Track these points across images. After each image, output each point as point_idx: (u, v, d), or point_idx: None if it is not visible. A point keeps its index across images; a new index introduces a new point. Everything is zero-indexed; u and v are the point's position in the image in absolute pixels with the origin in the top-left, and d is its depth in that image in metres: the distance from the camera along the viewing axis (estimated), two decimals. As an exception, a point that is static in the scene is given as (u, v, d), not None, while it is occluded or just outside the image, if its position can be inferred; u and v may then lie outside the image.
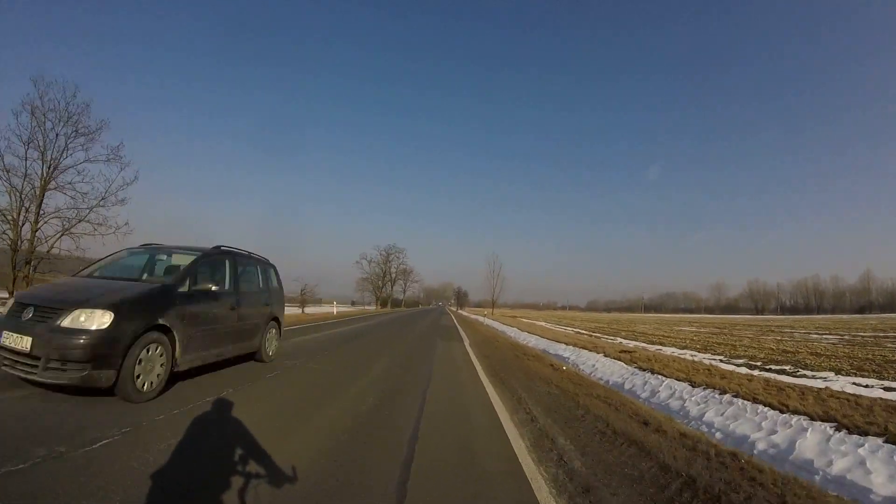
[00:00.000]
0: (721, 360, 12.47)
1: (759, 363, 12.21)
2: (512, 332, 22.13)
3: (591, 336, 21.64)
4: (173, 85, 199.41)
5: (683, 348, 15.47)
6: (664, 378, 8.68)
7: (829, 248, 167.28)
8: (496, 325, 28.10)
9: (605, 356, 11.53)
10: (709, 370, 9.75)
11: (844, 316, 64.21)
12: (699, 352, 14.65)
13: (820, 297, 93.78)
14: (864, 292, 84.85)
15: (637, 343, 17.08)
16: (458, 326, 24.63)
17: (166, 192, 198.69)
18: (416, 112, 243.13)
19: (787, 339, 21.29)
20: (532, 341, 17.47)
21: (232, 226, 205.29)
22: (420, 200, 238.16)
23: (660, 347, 15.44)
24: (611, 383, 9.17)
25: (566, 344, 14.98)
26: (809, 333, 25.49)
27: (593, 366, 10.65)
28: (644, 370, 9.57)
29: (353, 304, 65.50)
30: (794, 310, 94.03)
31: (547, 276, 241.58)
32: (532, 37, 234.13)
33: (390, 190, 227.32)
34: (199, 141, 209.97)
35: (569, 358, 12.29)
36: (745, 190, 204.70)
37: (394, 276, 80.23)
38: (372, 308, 60.98)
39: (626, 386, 8.68)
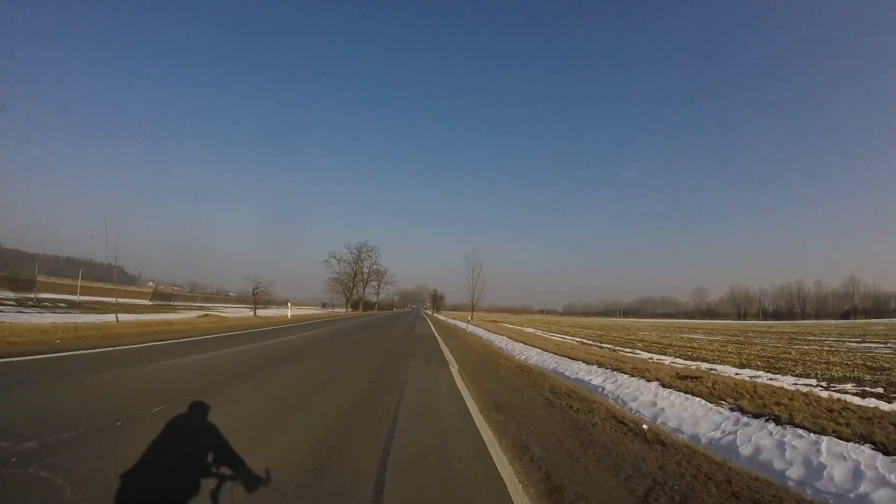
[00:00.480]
0: (818, 386, 8.54)
1: (879, 388, 8.36)
2: (503, 343, 17.86)
3: (603, 348, 17.59)
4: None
5: (740, 367, 11.52)
6: (820, 439, 4.58)
7: (812, 254, 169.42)
8: (480, 332, 23.86)
9: (665, 386, 7.36)
10: (846, 408, 5.76)
11: (832, 321, 63.11)
12: (764, 370, 10.75)
13: (803, 303, 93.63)
14: (848, 297, 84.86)
15: (682, 361, 12.94)
16: (438, 336, 20.19)
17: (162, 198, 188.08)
18: (390, 109, 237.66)
19: (833, 349, 17.76)
20: (535, 357, 13.25)
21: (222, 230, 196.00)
22: (393, 200, 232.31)
23: (712, 367, 11.40)
24: (761, 463, 4.98)
25: (585, 362, 10.81)
26: (844, 341, 22.13)
27: (667, 410, 6.39)
28: (765, 419, 5.44)
29: (323, 306, 60.38)
30: (776, 315, 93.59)
31: (520, 280, 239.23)
32: (516, 35, 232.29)
33: (363, 189, 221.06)
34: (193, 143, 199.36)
35: (605, 388, 8.07)
36: (727, 192, 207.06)
37: (366, 276, 73.14)
38: (341, 311, 55.67)
39: (794, 475, 4.45)
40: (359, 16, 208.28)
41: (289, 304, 31.96)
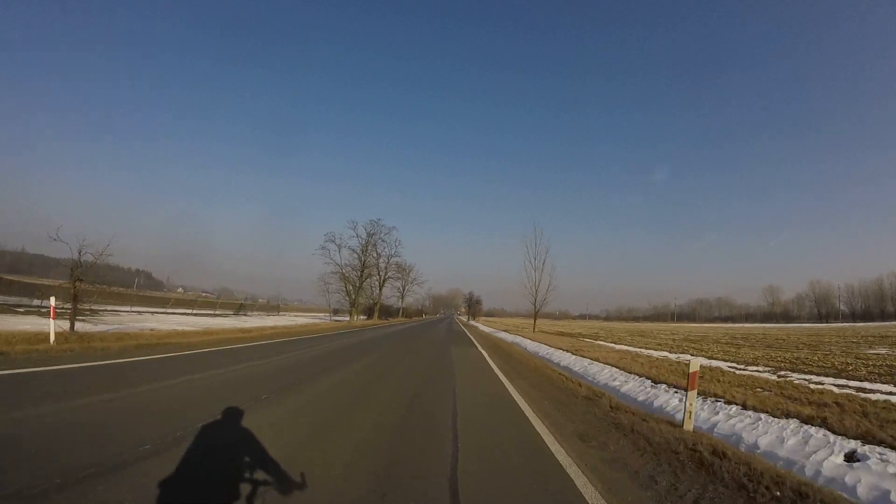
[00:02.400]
0: None
1: None
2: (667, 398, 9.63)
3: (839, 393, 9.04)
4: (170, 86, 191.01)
5: None
6: None
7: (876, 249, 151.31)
8: (562, 356, 15.75)
9: None
10: None
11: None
12: None
13: (896, 300, 79.12)
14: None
15: None
16: (503, 379, 11.53)
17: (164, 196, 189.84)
18: (416, 114, 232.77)
19: None
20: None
21: (229, 230, 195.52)
22: (422, 202, 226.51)
23: None
24: None
25: None
26: None
27: None
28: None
29: (335, 312, 48.78)
30: (866, 315, 79.73)
31: (559, 284, 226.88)
32: (548, 39, 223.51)
33: (391, 192, 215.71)
34: (193, 142, 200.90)
35: None
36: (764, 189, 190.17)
37: (383, 271, 52.38)
38: (346, 320, 41.76)
39: None
40: (377, 15, 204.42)
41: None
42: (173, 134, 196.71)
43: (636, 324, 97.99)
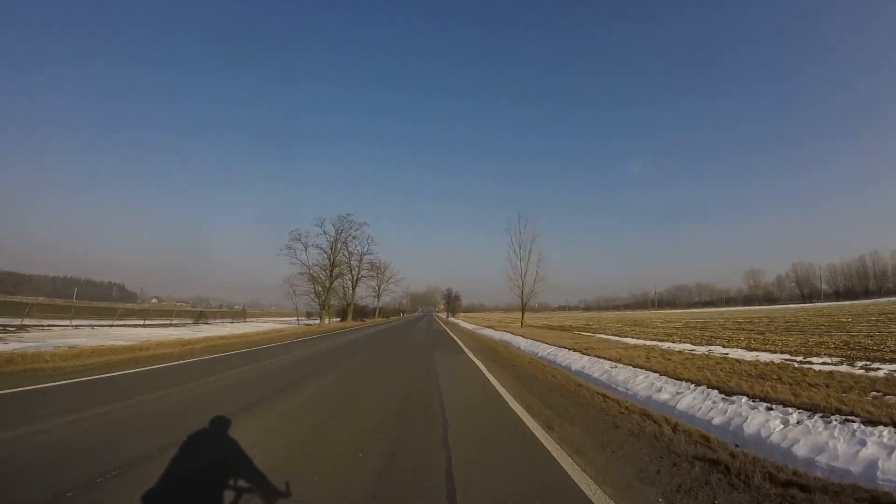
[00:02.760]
0: None
1: None
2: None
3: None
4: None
5: None
6: None
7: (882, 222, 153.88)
8: (570, 357, 11.98)
9: None
10: None
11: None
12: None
13: (881, 278, 79.07)
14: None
15: None
16: (524, 414, 8.29)
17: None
18: (400, 112, 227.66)
19: None
20: None
21: (206, 239, 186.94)
22: (396, 201, 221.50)
23: None
24: None
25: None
26: None
27: None
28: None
29: (307, 316, 44.60)
30: (850, 294, 79.51)
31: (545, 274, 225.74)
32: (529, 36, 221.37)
33: (365, 190, 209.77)
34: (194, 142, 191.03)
35: None
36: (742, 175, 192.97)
37: (356, 270, 48.28)
38: (317, 323, 38.84)
39: None
40: (368, 18, 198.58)
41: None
42: (147, 145, 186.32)
43: (620, 312, 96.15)
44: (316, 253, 40.98)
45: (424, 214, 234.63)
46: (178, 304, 74.74)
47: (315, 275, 39.06)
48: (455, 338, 21.23)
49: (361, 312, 54.39)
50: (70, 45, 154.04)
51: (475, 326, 35.11)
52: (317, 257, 41.25)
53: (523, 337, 17.18)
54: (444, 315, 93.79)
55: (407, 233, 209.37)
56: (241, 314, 45.27)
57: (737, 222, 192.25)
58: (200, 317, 35.22)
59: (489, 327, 31.35)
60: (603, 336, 18.29)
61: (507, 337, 19.23)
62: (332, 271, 41.03)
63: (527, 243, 27.25)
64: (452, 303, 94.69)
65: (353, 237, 44.27)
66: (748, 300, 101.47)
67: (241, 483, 2.98)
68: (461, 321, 55.00)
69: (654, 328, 24.08)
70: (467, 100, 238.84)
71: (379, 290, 59.91)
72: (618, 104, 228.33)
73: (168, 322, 30.06)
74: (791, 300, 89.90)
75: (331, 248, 41.64)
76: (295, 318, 44.11)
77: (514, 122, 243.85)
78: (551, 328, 25.85)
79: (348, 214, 43.91)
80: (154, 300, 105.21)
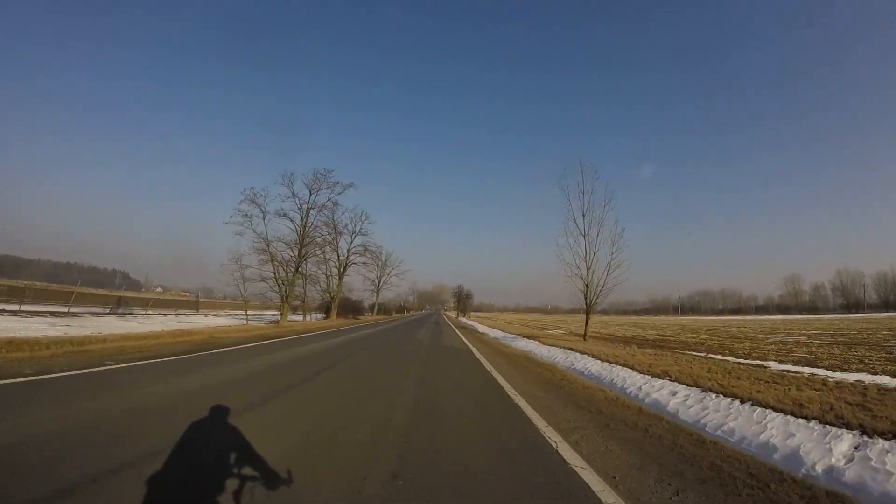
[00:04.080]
0: None
1: None
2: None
3: None
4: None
5: None
6: None
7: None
8: None
9: None
10: None
11: None
12: None
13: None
14: None
15: None
16: None
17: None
18: (410, 111, 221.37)
19: None
20: None
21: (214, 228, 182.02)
22: (406, 201, 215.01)
23: None
24: None
25: None
26: None
27: None
28: None
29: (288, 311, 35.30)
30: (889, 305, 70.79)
31: (536, 278, 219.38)
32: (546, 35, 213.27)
33: (371, 187, 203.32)
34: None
35: None
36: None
37: (343, 254, 36.78)
38: (277, 321, 26.42)
39: None
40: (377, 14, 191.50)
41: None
42: (154, 134, 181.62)
43: (641, 318, 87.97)
44: (281, 226, 31.60)
45: (429, 213, 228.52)
46: (182, 294, 69.88)
47: (275, 253, 26.46)
48: (481, 358, 12.10)
49: (353, 308, 44.15)
50: (70, 27, 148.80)
51: (501, 333, 25.14)
52: (284, 230, 31.28)
53: (631, 368, 9.28)
54: (453, 314, 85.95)
55: (413, 230, 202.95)
56: (193, 304, 37.06)
57: (762, 228, 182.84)
58: (119, 304, 26.19)
59: (528, 336, 20.54)
60: (746, 361, 10.68)
61: (595, 367, 10.34)
62: (301, 251, 27.80)
63: (596, 210, 16.56)
64: (463, 301, 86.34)
65: (334, 203, 30.79)
66: (783, 309, 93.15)
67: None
68: (476, 323, 46.66)
69: (769, 343, 16.42)
70: (467, 99, 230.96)
71: (379, 282, 50.60)
72: (632, 103, 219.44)
73: (63, 310, 20.46)
74: (832, 310, 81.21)
75: (301, 217, 28.52)
76: (271, 312, 33.53)
77: (530, 119, 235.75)
78: (625, 342, 17.92)
79: (329, 170, 30.09)
80: (159, 289, 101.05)
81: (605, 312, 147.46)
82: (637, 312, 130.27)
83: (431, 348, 14.60)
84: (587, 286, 16.71)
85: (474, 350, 14.54)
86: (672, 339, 20.99)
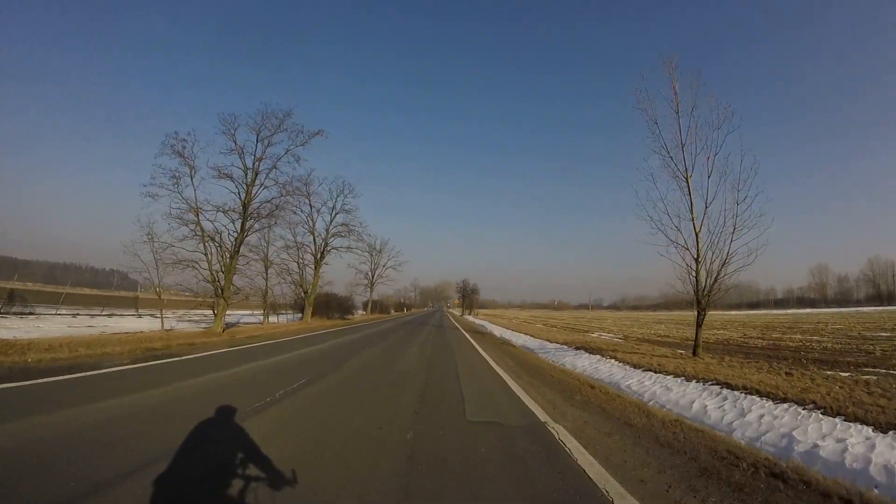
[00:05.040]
0: None
1: None
2: None
3: None
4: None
5: None
6: None
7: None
8: None
9: None
10: None
11: None
12: None
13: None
14: None
15: None
16: None
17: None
18: (413, 108, 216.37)
19: None
20: None
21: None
22: (406, 198, 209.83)
23: None
24: None
25: None
26: None
27: None
28: None
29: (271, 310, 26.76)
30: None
31: (550, 274, 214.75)
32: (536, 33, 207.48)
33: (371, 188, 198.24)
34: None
35: None
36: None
37: (321, 236, 29.21)
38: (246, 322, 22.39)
39: None
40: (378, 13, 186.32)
41: None
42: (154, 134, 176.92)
43: (655, 313, 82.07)
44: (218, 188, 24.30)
45: (429, 213, 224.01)
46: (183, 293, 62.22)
47: (206, 227, 17.44)
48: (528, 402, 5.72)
49: (340, 307, 35.94)
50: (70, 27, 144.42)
51: (528, 338, 18.47)
52: (222, 194, 23.00)
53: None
54: (457, 312, 79.87)
55: (413, 227, 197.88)
56: (131, 302, 29.70)
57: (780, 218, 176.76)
58: (10, 301, 18.75)
59: (578, 347, 13.65)
60: None
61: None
62: (244, 222, 18.34)
63: (718, 164, 9.87)
64: (469, 297, 79.72)
65: (297, 157, 20.46)
66: (808, 302, 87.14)
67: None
68: (486, 322, 40.52)
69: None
70: (465, 97, 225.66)
71: (373, 275, 43.33)
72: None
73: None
74: (861, 303, 74.71)
75: (246, 175, 18.88)
76: (244, 312, 26.56)
77: (514, 118, 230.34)
78: (741, 354, 11.98)
79: (288, 112, 19.95)
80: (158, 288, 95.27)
81: (615, 308, 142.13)
82: (650, 307, 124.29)
83: (428, 399, 6.05)
84: (697, 260, 10.04)
85: (534, 406, 5.70)
86: (780, 344, 15.44)
